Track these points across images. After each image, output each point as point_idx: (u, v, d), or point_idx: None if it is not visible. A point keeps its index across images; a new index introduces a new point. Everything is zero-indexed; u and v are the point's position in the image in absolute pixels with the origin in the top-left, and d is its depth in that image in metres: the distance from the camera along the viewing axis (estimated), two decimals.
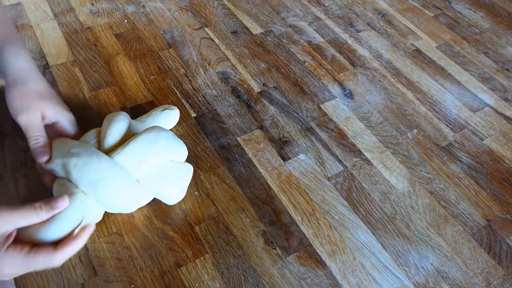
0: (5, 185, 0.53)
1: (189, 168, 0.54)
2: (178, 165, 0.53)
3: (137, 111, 0.64)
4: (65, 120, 0.51)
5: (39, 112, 0.47)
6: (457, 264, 0.53)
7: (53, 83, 0.66)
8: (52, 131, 0.50)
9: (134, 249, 0.49)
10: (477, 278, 0.52)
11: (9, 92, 0.48)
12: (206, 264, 0.50)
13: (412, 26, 0.86)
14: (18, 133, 0.59)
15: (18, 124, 0.47)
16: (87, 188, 0.45)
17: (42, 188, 0.53)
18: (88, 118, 0.62)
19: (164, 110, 0.60)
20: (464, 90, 0.75)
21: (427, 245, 0.54)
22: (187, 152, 0.54)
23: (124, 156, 0.47)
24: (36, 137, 0.47)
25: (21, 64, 0.50)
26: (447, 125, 0.69)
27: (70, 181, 0.46)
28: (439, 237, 0.55)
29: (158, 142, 0.50)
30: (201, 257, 0.50)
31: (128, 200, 0.49)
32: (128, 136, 0.51)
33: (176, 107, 0.62)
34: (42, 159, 0.47)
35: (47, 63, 0.69)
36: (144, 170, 0.49)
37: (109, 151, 0.48)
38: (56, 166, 0.47)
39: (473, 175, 0.63)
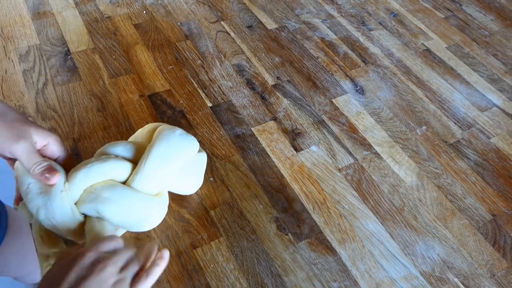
0: None
1: (203, 158, 0.55)
2: (192, 159, 0.53)
3: (155, 99, 0.66)
4: (54, 141, 0.47)
5: (30, 138, 0.44)
6: (463, 256, 0.55)
7: (74, 69, 0.68)
8: (43, 155, 0.47)
9: (152, 229, 0.51)
10: (481, 270, 0.54)
11: None
12: (220, 247, 0.51)
13: (423, 27, 0.88)
14: (40, 114, 0.61)
15: (13, 155, 0.43)
16: (113, 220, 0.46)
17: None
18: (108, 103, 0.64)
19: (171, 131, 0.53)
20: (472, 90, 0.76)
21: (434, 236, 0.56)
22: (198, 144, 0.54)
23: (141, 182, 0.47)
24: (39, 162, 0.44)
25: None
26: (455, 123, 0.70)
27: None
28: (445, 230, 0.57)
29: (170, 156, 0.49)
30: (216, 240, 0.52)
31: (155, 216, 0.49)
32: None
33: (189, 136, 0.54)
34: (54, 179, 0.44)
35: (68, 49, 0.71)
36: (163, 185, 0.50)
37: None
38: (88, 211, 0.45)
39: (479, 172, 0.64)
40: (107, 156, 0.49)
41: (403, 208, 0.59)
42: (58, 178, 0.44)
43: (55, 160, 0.47)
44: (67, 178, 0.45)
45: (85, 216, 0.46)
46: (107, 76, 0.68)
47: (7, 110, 0.44)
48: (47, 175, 0.44)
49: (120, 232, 0.48)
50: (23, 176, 0.45)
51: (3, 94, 0.63)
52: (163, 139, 0.50)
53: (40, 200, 0.43)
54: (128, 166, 0.49)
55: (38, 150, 0.46)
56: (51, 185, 0.44)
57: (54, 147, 0.47)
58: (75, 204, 0.45)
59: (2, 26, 0.73)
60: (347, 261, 0.52)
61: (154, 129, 0.55)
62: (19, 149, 0.43)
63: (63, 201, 0.44)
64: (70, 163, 0.48)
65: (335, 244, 0.54)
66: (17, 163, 0.46)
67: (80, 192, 0.45)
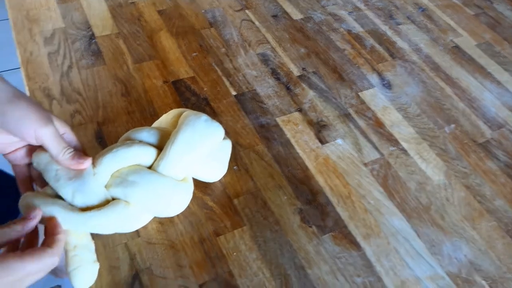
0: None
1: (228, 145, 0.55)
2: (217, 146, 0.52)
3: (179, 85, 0.65)
4: (70, 130, 0.46)
5: (51, 123, 0.43)
6: (491, 258, 0.53)
7: (98, 53, 0.67)
8: None
9: (175, 215, 0.51)
10: (510, 274, 0.52)
11: (12, 110, 0.40)
12: (244, 236, 0.51)
13: (452, 23, 0.86)
14: (65, 97, 0.61)
15: (38, 139, 0.42)
16: (140, 204, 0.46)
17: (89, 152, 0.55)
18: (132, 88, 0.64)
19: (196, 117, 0.52)
20: (503, 90, 0.74)
21: (461, 237, 0.55)
22: (223, 131, 0.53)
23: (166, 168, 0.47)
24: (67, 147, 0.43)
25: (6, 86, 0.43)
26: (485, 123, 0.68)
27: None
28: (473, 231, 0.55)
29: (195, 142, 0.49)
30: (239, 229, 0.51)
31: (181, 201, 0.48)
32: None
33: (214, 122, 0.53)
34: (86, 163, 0.43)
35: (92, 34, 0.70)
36: (188, 171, 0.49)
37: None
38: (116, 194, 0.45)
39: (509, 174, 0.62)
40: (131, 141, 0.48)
41: (430, 206, 0.57)
42: (89, 163, 0.44)
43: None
44: (93, 163, 0.45)
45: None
46: (131, 61, 0.67)
47: (25, 95, 0.43)
48: (79, 159, 0.43)
49: (147, 219, 0.48)
50: (48, 163, 0.44)
51: (28, 75, 0.62)
52: (188, 125, 0.50)
53: (75, 185, 0.43)
54: (153, 151, 0.48)
55: None
56: (82, 170, 0.43)
57: (71, 135, 0.47)
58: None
59: (28, 9, 0.72)
60: (372, 256, 0.51)
61: (179, 115, 0.54)
62: (48, 133, 0.41)
63: (97, 184, 0.44)
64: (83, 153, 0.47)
65: (359, 239, 0.52)
66: (37, 151, 0.45)
67: (108, 176, 0.45)
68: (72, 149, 0.43)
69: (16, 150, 0.45)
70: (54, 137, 0.42)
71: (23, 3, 0.73)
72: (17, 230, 0.39)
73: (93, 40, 0.69)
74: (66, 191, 0.43)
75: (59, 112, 0.59)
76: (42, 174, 0.45)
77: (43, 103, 0.59)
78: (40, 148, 0.45)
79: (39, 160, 0.45)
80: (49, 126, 0.42)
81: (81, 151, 0.47)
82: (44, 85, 0.61)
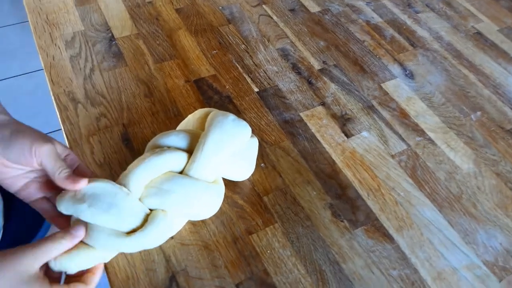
0: (81, 150, 0.55)
1: (255, 143, 0.54)
2: (244, 144, 0.52)
3: (201, 84, 0.65)
4: (73, 153, 0.47)
5: (55, 144, 0.44)
6: None
7: (119, 54, 0.67)
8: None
9: None
10: None
11: (16, 138, 0.42)
12: (276, 233, 0.51)
13: (472, 9, 0.84)
14: (89, 100, 0.61)
15: (37, 156, 0.42)
16: (176, 210, 0.46)
17: (116, 155, 0.55)
18: (154, 88, 0.64)
19: (224, 117, 0.52)
20: None
21: (495, 225, 0.54)
22: (250, 130, 0.53)
23: (198, 171, 0.47)
24: (64, 166, 0.43)
25: (8, 119, 0.45)
26: (511, 109, 0.67)
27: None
28: (507, 218, 0.55)
29: (224, 143, 0.49)
30: (271, 226, 0.51)
31: (214, 203, 0.49)
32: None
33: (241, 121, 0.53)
34: (81, 183, 0.43)
35: (112, 35, 0.70)
36: (219, 172, 0.49)
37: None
38: (152, 205, 0.45)
39: None
40: (161, 149, 0.48)
41: (461, 195, 0.56)
42: (85, 183, 0.43)
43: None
44: (123, 177, 0.45)
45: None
46: (152, 61, 0.67)
47: (25, 127, 0.44)
48: (74, 179, 0.42)
49: (182, 223, 0.48)
50: (74, 204, 0.43)
51: (52, 80, 0.63)
52: (217, 126, 0.50)
53: (113, 213, 0.42)
54: (183, 155, 0.48)
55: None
56: (115, 194, 0.43)
57: (74, 157, 0.47)
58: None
59: (47, 12, 0.73)
60: (406, 249, 0.51)
61: (205, 115, 0.54)
62: (46, 150, 0.42)
63: (134, 203, 0.44)
64: (89, 173, 0.48)
65: (392, 231, 0.52)
66: (58, 197, 0.44)
67: (141, 189, 0.45)
68: (68, 170, 0.43)
69: (26, 186, 0.45)
70: (51, 154, 0.42)
71: (42, 7, 0.73)
72: (65, 245, 0.40)
73: (113, 42, 0.69)
74: (109, 224, 0.43)
75: (84, 116, 0.59)
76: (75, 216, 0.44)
77: (68, 107, 0.60)
78: (60, 192, 0.44)
79: (63, 204, 0.43)
80: (48, 144, 0.42)
81: (87, 172, 0.47)
82: (68, 89, 0.62)
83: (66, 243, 0.40)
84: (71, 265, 0.41)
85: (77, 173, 0.46)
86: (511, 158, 0.61)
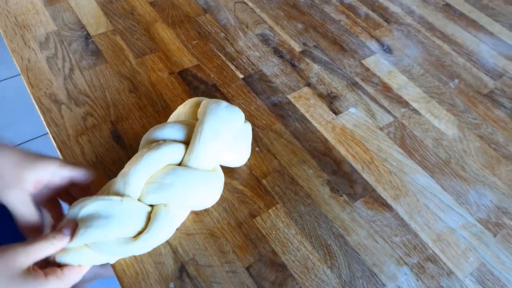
0: (71, 152, 0.54)
1: (249, 128, 0.54)
2: (239, 130, 0.52)
3: (185, 75, 0.64)
4: (72, 172, 0.45)
5: (21, 184, 0.42)
6: None
7: (97, 52, 0.66)
8: (76, 188, 0.47)
9: None
10: None
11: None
12: (279, 213, 0.51)
13: None
14: (73, 100, 0.59)
15: (5, 202, 0.42)
16: (178, 203, 0.46)
17: (108, 152, 0.54)
18: (138, 83, 0.63)
19: (215, 104, 0.52)
20: (497, 40, 0.76)
21: (484, 184, 0.57)
22: (243, 115, 0.53)
23: (197, 161, 0.47)
24: (22, 215, 0.42)
25: None
26: (486, 74, 0.70)
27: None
28: (494, 177, 0.57)
29: (220, 130, 0.49)
30: (273, 207, 0.52)
31: (216, 191, 0.49)
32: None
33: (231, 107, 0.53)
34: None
35: (88, 33, 0.69)
36: (217, 160, 0.49)
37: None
38: (154, 200, 0.45)
39: None
40: (157, 143, 0.47)
41: (449, 160, 0.59)
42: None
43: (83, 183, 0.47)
44: (123, 177, 0.44)
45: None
46: (133, 56, 0.66)
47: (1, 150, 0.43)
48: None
49: (185, 214, 0.48)
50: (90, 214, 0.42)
51: (30, 83, 0.61)
52: (211, 114, 0.49)
53: (117, 222, 0.42)
54: (180, 147, 0.48)
55: (73, 185, 0.46)
56: (113, 202, 0.42)
57: (77, 178, 0.46)
58: (139, 199, 0.45)
59: (16, 15, 0.70)
60: (405, 215, 0.53)
61: (196, 105, 0.54)
62: (7, 199, 0.41)
63: (136, 205, 0.43)
64: (99, 178, 0.47)
65: (390, 201, 0.54)
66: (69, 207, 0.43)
67: (141, 186, 0.44)
68: (26, 218, 0.43)
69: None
70: (19, 200, 0.42)
71: (9, 9, 0.70)
72: (57, 245, 0.40)
73: (90, 40, 0.67)
74: (112, 235, 0.42)
75: (70, 116, 0.57)
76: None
77: (51, 109, 0.58)
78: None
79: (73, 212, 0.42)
80: (6, 192, 0.41)
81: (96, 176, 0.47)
82: (49, 91, 0.60)
83: (57, 242, 0.40)
84: (74, 261, 0.41)
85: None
86: (491, 121, 0.64)
